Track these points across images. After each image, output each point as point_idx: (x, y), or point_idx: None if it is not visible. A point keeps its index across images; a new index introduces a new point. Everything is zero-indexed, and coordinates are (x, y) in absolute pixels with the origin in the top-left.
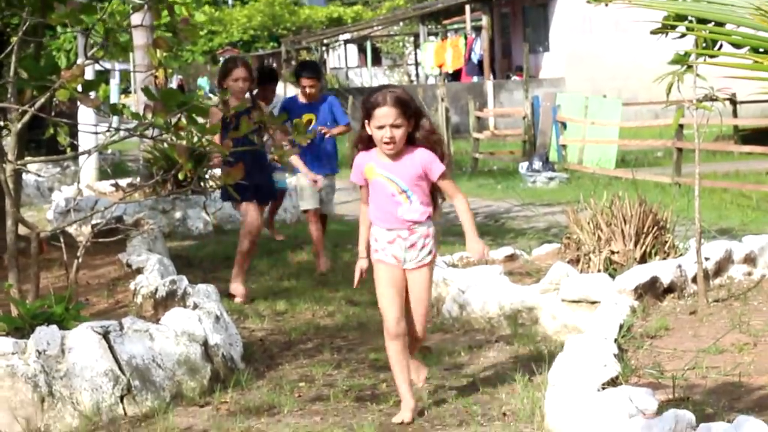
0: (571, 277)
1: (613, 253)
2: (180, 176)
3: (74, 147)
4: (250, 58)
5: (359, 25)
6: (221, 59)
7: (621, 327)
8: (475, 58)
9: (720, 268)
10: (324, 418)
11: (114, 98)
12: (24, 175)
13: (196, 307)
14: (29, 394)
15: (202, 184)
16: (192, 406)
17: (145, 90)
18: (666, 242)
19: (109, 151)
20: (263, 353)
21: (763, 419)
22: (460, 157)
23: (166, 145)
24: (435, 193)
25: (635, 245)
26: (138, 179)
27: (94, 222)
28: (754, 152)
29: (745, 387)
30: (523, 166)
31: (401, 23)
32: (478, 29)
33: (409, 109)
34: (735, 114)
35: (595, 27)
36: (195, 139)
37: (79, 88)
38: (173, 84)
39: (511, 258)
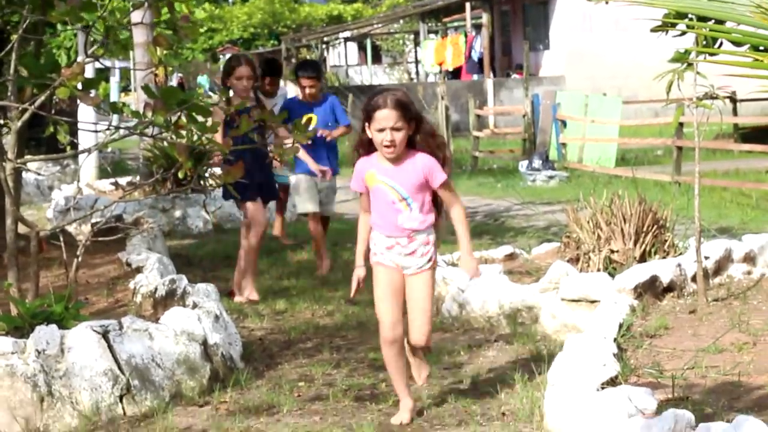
0: (570, 276)
1: (612, 252)
2: (180, 175)
3: (74, 145)
4: (251, 56)
5: (359, 22)
6: (221, 57)
7: (620, 326)
8: (475, 56)
9: (719, 267)
10: (323, 418)
11: (114, 96)
12: (24, 174)
13: (195, 306)
14: (28, 394)
15: (202, 182)
16: (191, 406)
17: (146, 88)
18: (666, 241)
19: (109, 149)
20: (263, 353)
21: (763, 419)
22: (460, 155)
23: (166, 143)
24: (437, 200)
25: (635, 244)
26: (138, 178)
27: (93, 221)
28: (754, 150)
29: (745, 386)
30: (522, 165)
31: (401, 21)
32: (478, 27)
33: (410, 111)
34: (735, 112)
35: (596, 25)
36: (195, 138)
37: (80, 86)
38: (173, 82)
39: (511, 257)
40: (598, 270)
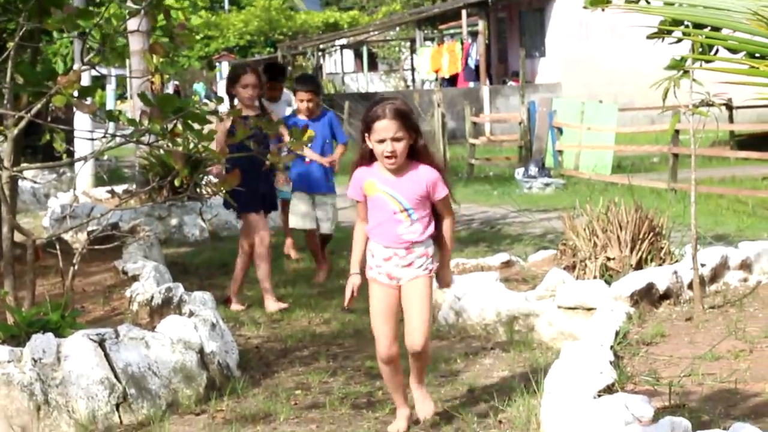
0: (567, 284)
1: (609, 259)
2: (176, 183)
3: (70, 153)
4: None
5: (355, 30)
6: (218, 65)
7: (617, 334)
8: (471, 63)
9: (716, 275)
10: (320, 426)
11: (110, 104)
12: (20, 182)
13: (191, 314)
14: (25, 403)
15: (198, 190)
16: (188, 414)
17: (142, 96)
18: (662, 248)
19: (105, 157)
20: (259, 361)
21: (759, 426)
22: (456, 162)
23: (162, 151)
24: (436, 212)
25: (631, 251)
26: (134, 186)
27: (90, 229)
28: (750, 158)
29: (741, 394)
30: (519, 172)
31: (397, 28)
32: (474, 34)
33: (410, 121)
34: (731, 119)
35: (591, 32)
36: (191, 146)
37: (76, 94)
38: (169, 89)
39: (507, 264)
40: (595, 277)
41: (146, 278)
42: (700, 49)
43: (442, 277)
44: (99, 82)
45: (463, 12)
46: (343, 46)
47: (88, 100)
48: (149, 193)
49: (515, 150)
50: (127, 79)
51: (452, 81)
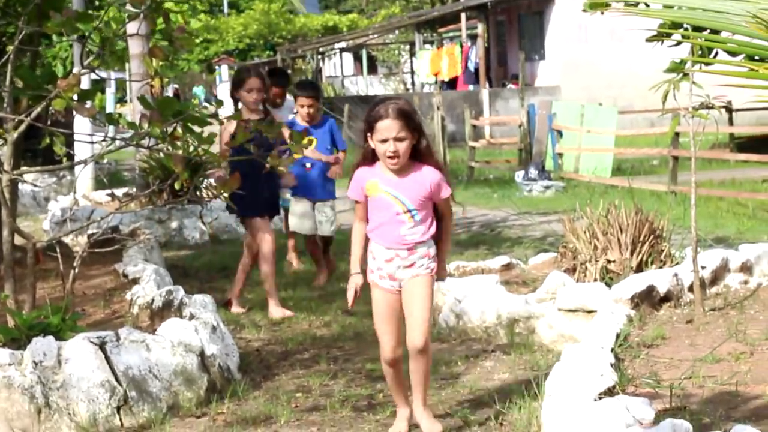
0: (567, 287)
1: (609, 262)
2: (176, 186)
3: (70, 157)
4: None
5: (355, 33)
6: (217, 68)
7: (617, 336)
8: (471, 67)
9: (716, 277)
10: (320, 429)
11: (110, 107)
12: (20, 185)
13: (192, 317)
14: (26, 406)
15: (198, 193)
16: (188, 417)
17: (142, 99)
18: (662, 251)
19: (105, 160)
20: (260, 363)
21: (760, 428)
22: (456, 165)
23: (162, 154)
24: (437, 212)
25: (631, 254)
26: (134, 189)
27: (90, 232)
28: (750, 160)
29: (742, 396)
30: (519, 175)
31: (397, 31)
32: (473, 37)
33: (413, 121)
34: (731, 122)
35: (591, 35)
36: (191, 149)
37: (76, 98)
38: (169, 93)
39: (508, 267)
40: (595, 280)
41: (147, 281)
42: (700, 52)
43: (439, 271)
44: (99, 85)
45: (463, 15)
46: (342, 50)
47: (88, 104)
48: (149, 197)
49: (515, 153)
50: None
51: (452, 84)
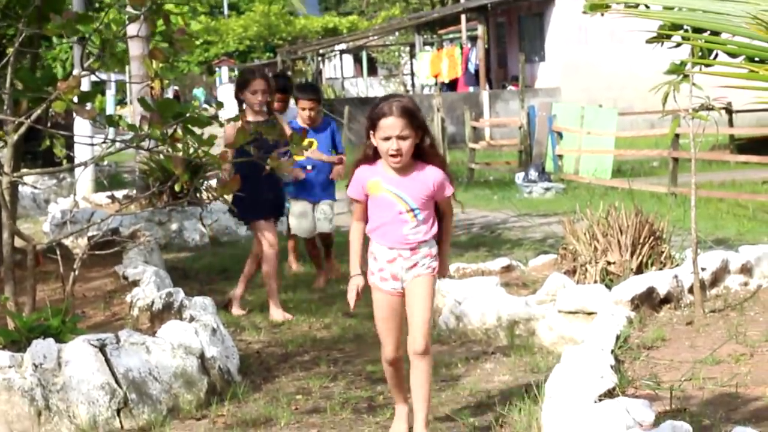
0: (567, 288)
1: (609, 263)
2: (176, 188)
3: (70, 159)
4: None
5: (355, 35)
6: (217, 70)
7: (618, 338)
8: (471, 68)
9: (716, 279)
10: (321, 431)
11: (110, 109)
12: (20, 187)
13: (192, 319)
14: (26, 408)
15: (198, 195)
16: (189, 419)
17: (142, 101)
18: (662, 252)
19: (105, 162)
20: (260, 366)
21: (760, 430)
22: (456, 167)
23: (162, 156)
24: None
25: (631, 256)
26: (134, 191)
27: (90, 234)
28: (750, 161)
29: (742, 398)
30: (519, 177)
31: (397, 33)
32: (473, 39)
33: (417, 119)
34: (731, 123)
35: (591, 37)
36: (191, 150)
37: (76, 100)
38: (169, 94)
39: (508, 269)
40: (595, 282)
41: (147, 283)
42: (700, 54)
43: (440, 269)
44: (99, 87)
45: (463, 17)
46: (342, 51)
47: (88, 106)
48: (149, 198)
49: (515, 154)
50: (127, 85)
51: (452, 86)
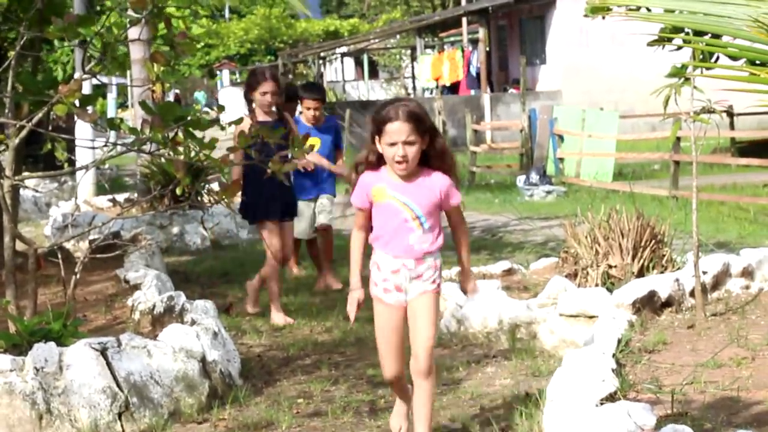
0: (568, 292)
1: (610, 267)
2: (178, 191)
3: (72, 162)
4: (246, 72)
5: (356, 38)
6: (218, 73)
7: (619, 341)
8: (473, 71)
9: (718, 282)
10: None
11: (111, 113)
12: (21, 191)
13: (193, 323)
14: (27, 412)
15: (199, 199)
16: (190, 423)
17: (143, 104)
18: (663, 256)
19: (107, 166)
20: (261, 369)
21: None
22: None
23: (163, 159)
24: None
25: (633, 259)
26: (135, 194)
27: (91, 237)
28: (751, 165)
29: (744, 402)
30: (520, 180)
31: (398, 36)
32: (474, 42)
33: (424, 124)
34: (732, 126)
35: (592, 40)
36: (192, 154)
37: (77, 103)
38: (170, 98)
39: (509, 272)
40: (596, 285)
41: (148, 287)
42: (701, 57)
43: (470, 288)
44: (100, 90)
45: (464, 20)
46: (343, 54)
47: (89, 109)
48: (151, 202)
49: (516, 158)
50: (128, 88)
51: (453, 89)
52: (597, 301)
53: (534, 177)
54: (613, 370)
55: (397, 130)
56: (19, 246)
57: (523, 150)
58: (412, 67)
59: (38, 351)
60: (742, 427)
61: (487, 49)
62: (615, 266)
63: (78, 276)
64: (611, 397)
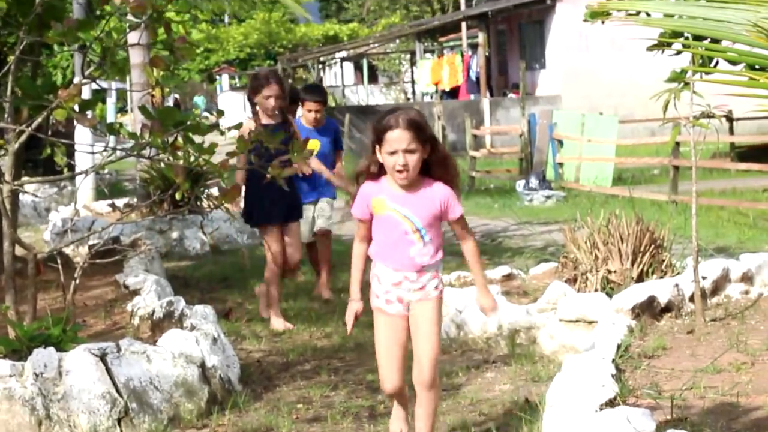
0: (568, 297)
1: (610, 272)
2: (177, 196)
3: (71, 167)
4: (246, 77)
5: (355, 42)
6: (218, 77)
7: (618, 347)
8: (473, 76)
9: (717, 287)
10: None
11: (110, 117)
12: (21, 196)
13: (193, 328)
14: (26, 417)
15: (199, 203)
16: (189, 429)
17: (142, 109)
18: (663, 261)
19: (106, 171)
20: (261, 375)
21: None
22: None
23: (163, 164)
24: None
25: (632, 264)
26: (135, 199)
27: (91, 243)
28: (750, 169)
29: (743, 407)
30: (519, 185)
31: (397, 41)
32: (474, 46)
33: (425, 133)
34: (731, 131)
35: (591, 44)
36: (192, 159)
37: (76, 108)
38: (169, 102)
39: (509, 277)
40: (596, 290)
41: (147, 292)
42: (700, 61)
43: (485, 303)
44: (99, 95)
45: (463, 24)
46: (343, 59)
47: (89, 114)
48: (150, 207)
49: (516, 162)
50: (128, 93)
51: (452, 93)
52: (596, 306)
53: (533, 182)
54: (612, 376)
55: (398, 138)
56: (19, 251)
57: (523, 155)
58: (412, 72)
59: (38, 356)
60: None
61: (487, 53)
62: (614, 271)
63: (77, 281)
64: (611, 403)
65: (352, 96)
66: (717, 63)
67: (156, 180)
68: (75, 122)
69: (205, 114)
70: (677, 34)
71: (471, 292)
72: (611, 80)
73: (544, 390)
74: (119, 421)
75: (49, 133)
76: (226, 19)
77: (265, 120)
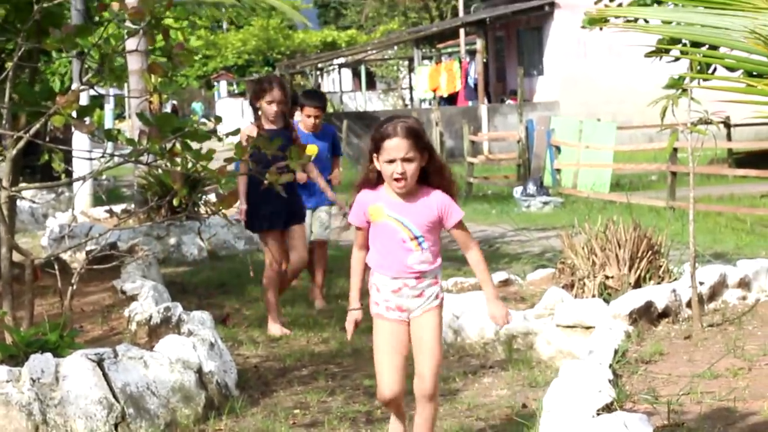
0: (565, 303)
1: (607, 278)
2: (175, 202)
3: (69, 173)
4: (244, 83)
5: (353, 49)
6: (216, 84)
7: (616, 352)
8: (471, 82)
9: (714, 293)
10: None
11: (108, 124)
12: (18, 202)
13: (190, 334)
14: (23, 423)
15: (196, 210)
16: None
17: (140, 115)
18: (660, 267)
19: (104, 177)
20: (258, 380)
21: None
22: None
23: (160, 170)
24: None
25: (630, 270)
26: (132, 205)
27: (88, 248)
28: (748, 176)
29: (740, 412)
30: (517, 191)
31: (395, 47)
32: (472, 53)
33: (422, 141)
34: (729, 137)
35: (589, 51)
36: (189, 165)
37: (74, 114)
38: (167, 109)
39: (506, 283)
40: (593, 296)
41: (145, 298)
42: (698, 68)
43: (496, 313)
44: (97, 101)
45: (462, 31)
46: (341, 65)
47: (87, 120)
48: (148, 213)
49: (513, 168)
50: (126, 99)
51: (450, 100)
52: (594, 312)
53: (531, 188)
54: (609, 381)
55: (396, 146)
56: (16, 257)
57: (521, 161)
58: (410, 78)
59: (35, 362)
60: None
61: (485, 60)
62: (612, 277)
63: (75, 287)
64: (608, 408)
65: (350, 102)
66: (715, 69)
67: (153, 186)
68: (73, 128)
69: (203, 120)
70: (675, 41)
71: (468, 298)
72: (609, 87)
73: (542, 395)
74: (116, 426)
75: (47, 139)
76: (224, 26)
77: (267, 125)
